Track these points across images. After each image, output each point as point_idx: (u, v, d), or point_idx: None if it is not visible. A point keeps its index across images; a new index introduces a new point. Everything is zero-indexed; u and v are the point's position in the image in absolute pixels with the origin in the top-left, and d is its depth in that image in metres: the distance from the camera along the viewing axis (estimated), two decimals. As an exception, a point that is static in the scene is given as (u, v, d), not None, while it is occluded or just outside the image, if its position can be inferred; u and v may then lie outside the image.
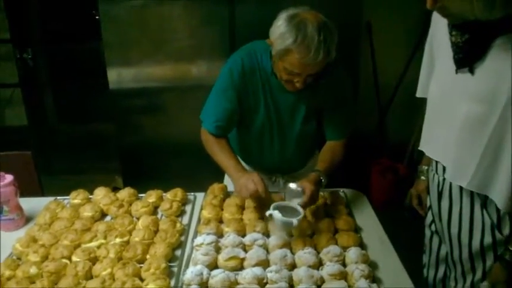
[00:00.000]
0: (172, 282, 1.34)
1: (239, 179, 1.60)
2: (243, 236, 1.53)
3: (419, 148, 1.49)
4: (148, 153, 3.01)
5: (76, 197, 1.78)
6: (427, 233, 1.61)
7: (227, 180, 2.06)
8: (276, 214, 1.46)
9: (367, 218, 1.68)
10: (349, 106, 1.79)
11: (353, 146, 1.84)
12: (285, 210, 1.49)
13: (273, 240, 1.48)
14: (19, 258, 1.45)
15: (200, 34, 2.78)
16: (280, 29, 1.50)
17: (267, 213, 1.49)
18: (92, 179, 3.58)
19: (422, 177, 1.63)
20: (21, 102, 3.92)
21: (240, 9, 2.71)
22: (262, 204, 1.61)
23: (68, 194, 1.85)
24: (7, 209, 1.63)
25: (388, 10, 3.47)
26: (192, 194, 1.85)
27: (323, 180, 1.64)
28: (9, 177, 1.64)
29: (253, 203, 1.64)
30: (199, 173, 2.84)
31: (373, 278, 1.34)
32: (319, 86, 1.65)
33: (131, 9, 2.71)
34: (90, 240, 1.49)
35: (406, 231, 2.11)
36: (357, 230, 1.58)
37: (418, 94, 1.53)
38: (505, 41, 1.10)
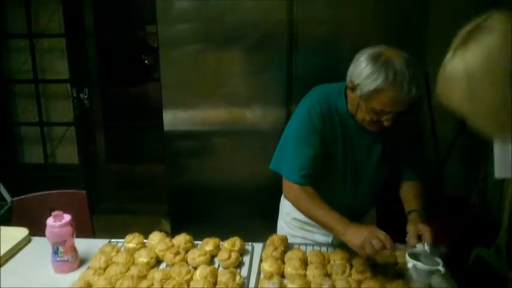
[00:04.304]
0: None
1: (360, 235, 1.44)
2: (308, 293, 1.42)
3: None
4: (198, 197, 2.95)
5: (131, 241, 1.72)
6: None
7: (280, 230, 1.97)
8: (420, 265, 1.40)
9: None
10: (424, 142, 1.74)
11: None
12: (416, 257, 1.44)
13: None
14: (73, 304, 1.39)
15: (257, 80, 2.75)
16: (366, 70, 1.46)
17: (410, 264, 1.40)
18: (137, 221, 3.56)
19: None
20: (74, 140, 3.99)
21: (298, 56, 2.68)
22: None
23: (114, 235, 1.82)
24: (62, 250, 1.58)
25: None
26: (250, 244, 1.76)
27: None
28: (67, 217, 1.60)
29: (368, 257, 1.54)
30: (250, 220, 2.76)
31: None
32: (397, 124, 1.56)
33: (190, 53, 2.73)
34: (147, 289, 1.42)
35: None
36: (433, 293, 1.44)
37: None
38: None
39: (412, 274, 1.42)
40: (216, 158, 2.90)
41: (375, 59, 1.46)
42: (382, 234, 1.42)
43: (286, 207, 1.92)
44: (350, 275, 1.52)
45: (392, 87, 1.43)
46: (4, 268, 1.64)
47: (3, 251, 1.67)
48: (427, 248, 1.46)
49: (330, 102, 1.65)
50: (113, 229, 1.88)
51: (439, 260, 1.42)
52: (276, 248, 1.64)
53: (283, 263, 1.59)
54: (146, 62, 4.57)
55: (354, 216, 1.60)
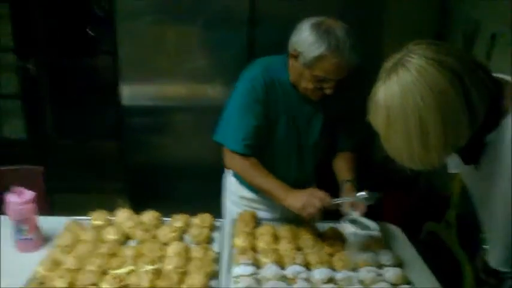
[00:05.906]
0: (211, 316, 1.24)
1: (300, 198, 1.53)
2: (282, 267, 1.44)
3: None
4: (156, 175, 2.90)
5: (97, 219, 1.67)
6: None
7: (225, 210, 2.01)
8: (359, 230, 1.48)
9: (406, 253, 1.61)
10: (364, 115, 1.80)
11: (362, 177, 1.79)
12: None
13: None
14: (42, 283, 1.33)
15: (217, 55, 2.71)
16: (309, 39, 1.52)
17: (350, 230, 1.48)
18: (91, 199, 3.43)
19: None
20: (21, 114, 3.78)
21: (259, 32, 2.66)
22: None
23: (68, 213, 1.76)
24: (26, 228, 1.51)
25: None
26: (220, 220, 1.76)
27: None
28: (29, 194, 1.53)
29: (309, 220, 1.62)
30: (210, 198, 2.75)
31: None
32: (338, 94, 1.61)
33: (149, 25, 2.64)
34: (119, 267, 1.39)
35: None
36: (400, 265, 1.50)
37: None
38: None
39: (351, 239, 1.51)
40: (176, 134, 2.85)
41: (317, 27, 1.52)
42: (321, 193, 1.53)
43: (231, 186, 1.95)
44: (321, 248, 1.55)
45: (334, 54, 1.49)
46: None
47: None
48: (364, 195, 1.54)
49: (272, 73, 1.68)
50: (65, 207, 1.82)
51: (374, 225, 1.52)
52: (247, 224, 1.65)
53: (254, 238, 1.60)
54: (91, 33, 4.36)
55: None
